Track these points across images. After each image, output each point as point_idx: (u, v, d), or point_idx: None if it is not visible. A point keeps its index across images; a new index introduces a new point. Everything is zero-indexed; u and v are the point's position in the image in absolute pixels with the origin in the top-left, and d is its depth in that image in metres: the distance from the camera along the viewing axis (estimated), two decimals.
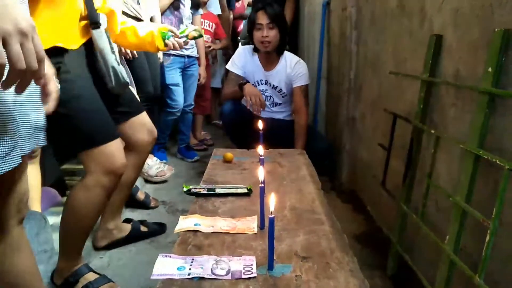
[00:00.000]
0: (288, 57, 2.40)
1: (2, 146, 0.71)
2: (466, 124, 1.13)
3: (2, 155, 0.71)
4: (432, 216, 1.32)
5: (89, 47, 1.29)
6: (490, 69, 0.99)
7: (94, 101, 1.26)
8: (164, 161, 2.82)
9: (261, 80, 2.42)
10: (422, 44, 1.39)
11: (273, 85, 2.42)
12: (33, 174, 1.59)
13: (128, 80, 1.40)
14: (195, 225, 1.02)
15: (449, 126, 1.24)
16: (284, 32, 2.34)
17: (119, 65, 1.33)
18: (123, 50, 2.02)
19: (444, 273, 1.08)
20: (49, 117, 1.05)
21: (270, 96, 2.45)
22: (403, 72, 1.58)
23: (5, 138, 0.71)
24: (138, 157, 1.54)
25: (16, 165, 0.74)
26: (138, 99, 1.65)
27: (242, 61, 2.44)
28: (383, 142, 1.67)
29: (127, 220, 1.79)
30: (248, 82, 2.34)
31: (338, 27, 2.55)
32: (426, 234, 1.23)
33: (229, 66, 2.48)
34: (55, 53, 1.14)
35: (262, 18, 2.27)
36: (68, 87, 1.15)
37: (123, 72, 1.36)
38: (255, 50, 2.41)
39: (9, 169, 0.72)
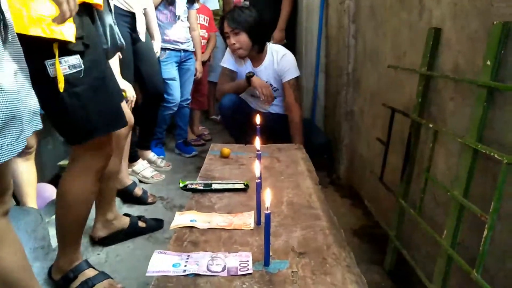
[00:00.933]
0: (274, 51, 2.38)
1: (16, 130, 0.79)
2: (465, 118, 1.12)
3: (15, 138, 0.79)
4: (430, 211, 1.31)
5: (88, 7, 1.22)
6: (489, 62, 0.98)
7: (112, 80, 1.23)
8: (162, 156, 2.81)
9: None
10: (421, 37, 1.37)
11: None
12: (28, 170, 1.59)
13: (123, 42, 1.35)
14: (191, 221, 1.01)
15: (448, 120, 1.23)
16: (255, 32, 2.27)
17: (115, 25, 1.29)
18: None
19: (442, 268, 1.08)
20: (66, 98, 1.07)
21: None
22: (401, 65, 1.56)
23: (17, 122, 0.79)
24: (116, 145, 1.48)
25: (23, 147, 0.82)
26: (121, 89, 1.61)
27: (233, 57, 2.43)
28: (381, 136, 1.66)
29: (125, 215, 1.78)
30: (254, 74, 2.32)
31: (336, 21, 2.53)
32: (424, 228, 1.22)
33: (222, 62, 2.48)
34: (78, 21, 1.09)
35: (226, 27, 2.27)
36: (92, 67, 1.12)
37: (119, 33, 1.32)
38: None
39: (19, 151, 0.80)
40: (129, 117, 1.57)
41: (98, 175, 1.27)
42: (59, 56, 1.04)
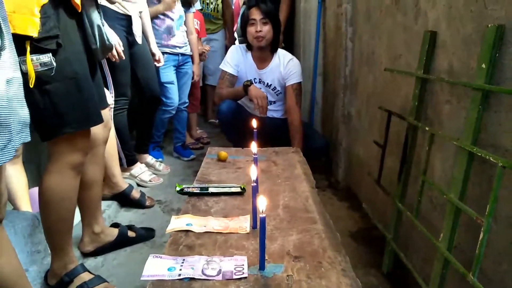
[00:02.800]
0: (281, 55, 2.40)
1: (1, 139, 0.75)
2: (461, 121, 1.12)
3: (1, 147, 0.74)
4: (427, 213, 1.31)
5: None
6: (483, 65, 0.98)
7: (88, 80, 1.24)
8: (160, 159, 2.80)
9: (255, 79, 2.42)
10: (417, 39, 1.38)
11: (267, 83, 2.41)
12: (17, 174, 1.57)
13: (112, 43, 1.35)
14: (187, 225, 1.01)
15: (444, 122, 1.23)
16: (278, 29, 2.35)
17: (103, 25, 1.30)
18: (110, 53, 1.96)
19: (438, 270, 1.08)
20: (37, 95, 1.07)
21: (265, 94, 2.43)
22: (397, 67, 1.57)
23: (4, 132, 0.75)
24: (94, 151, 1.48)
25: (12, 157, 0.78)
26: (108, 95, 1.60)
27: (235, 59, 2.43)
28: (379, 138, 1.67)
29: (115, 225, 1.75)
30: (252, 83, 2.31)
31: (333, 24, 2.54)
32: (421, 231, 1.22)
33: (222, 65, 2.47)
34: (49, 14, 1.10)
35: (256, 14, 2.28)
36: (65, 66, 1.13)
37: (108, 33, 1.33)
38: (248, 47, 2.41)
39: (6, 161, 0.76)
40: (107, 121, 1.54)
41: (76, 171, 1.27)
42: (31, 53, 1.06)
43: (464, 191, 1.04)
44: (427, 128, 1.25)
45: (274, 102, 2.47)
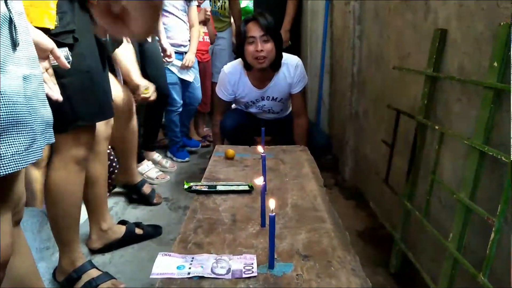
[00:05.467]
0: (285, 66, 2.14)
1: (24, 139, 0.71)
2: (471, 120, 1.11)
3: (25, 147, 0.71)
4: (436, 213, 1.30)
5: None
6: (495, 64, 0.97)
7: (101, 73, 1.26)
8: (187, 159, 2.88)
9: (257, 99, 2.23)
10: (426, 38, 1.37)
11: (272, 97, 2.21)
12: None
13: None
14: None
15: (454, 121, 1.22)
16: (280, 45, 2.07)
17: None
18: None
19: (448, 271, 1.07)
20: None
21: (270, 108, 2.27)
22: (406, 66, 1.56)
23: (25, 130, 0.72)
24: (96, 148, 1.47)
25: (39, 157, 0.75)
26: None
27: (232, 84, 2.18)
28: (386, 137, 1.66)
29: (122, 222, 1.76)
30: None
31: (341, 22, 2.52)
32: (430, 231, 1.21)
33: (217, 89, 2.25)
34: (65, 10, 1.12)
35: (255, 30, 1.99)
36: (80, 60, 1.15)
37: None
38: (247, 67, 2.12)
39: (33, 161, 0.73)
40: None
41: (80, 166, 1.29)
42: None
43: (475, 191, 1.03)
44: (437, 127, 1.24)
45: (282, 110, 2.33)
